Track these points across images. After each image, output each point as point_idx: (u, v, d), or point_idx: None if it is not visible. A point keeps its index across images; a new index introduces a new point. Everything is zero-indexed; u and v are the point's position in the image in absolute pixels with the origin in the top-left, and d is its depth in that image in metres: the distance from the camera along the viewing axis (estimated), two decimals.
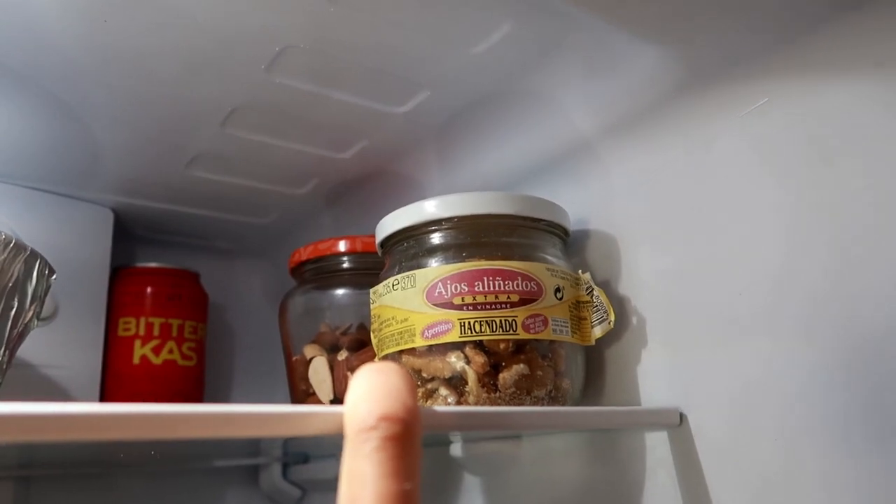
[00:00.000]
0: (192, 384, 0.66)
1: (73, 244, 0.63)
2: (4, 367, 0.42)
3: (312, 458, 0.73)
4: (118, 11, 0.38)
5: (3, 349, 0.41)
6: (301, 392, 0.53)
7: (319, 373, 0.51)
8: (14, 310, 0.41)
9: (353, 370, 0.50)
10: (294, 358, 0.54)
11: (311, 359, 0.52)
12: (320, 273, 0.55)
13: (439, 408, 0.32)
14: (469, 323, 0.38)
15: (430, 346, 0.39)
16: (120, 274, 0.67)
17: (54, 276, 0.45)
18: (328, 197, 0.66)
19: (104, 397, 0.62)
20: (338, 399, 0.50)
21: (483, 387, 0.38)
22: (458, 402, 0.39)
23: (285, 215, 0.71)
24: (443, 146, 0.55)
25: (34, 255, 0.41)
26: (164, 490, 0.70)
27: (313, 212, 0.70)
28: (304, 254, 0.54)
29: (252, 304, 0.83)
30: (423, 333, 0.39)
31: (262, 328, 0.83)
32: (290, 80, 0.46)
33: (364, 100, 0.49)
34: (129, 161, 0.57)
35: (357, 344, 0.51)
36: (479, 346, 0.39)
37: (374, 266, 0.54)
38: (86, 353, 0.61)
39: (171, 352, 0.65)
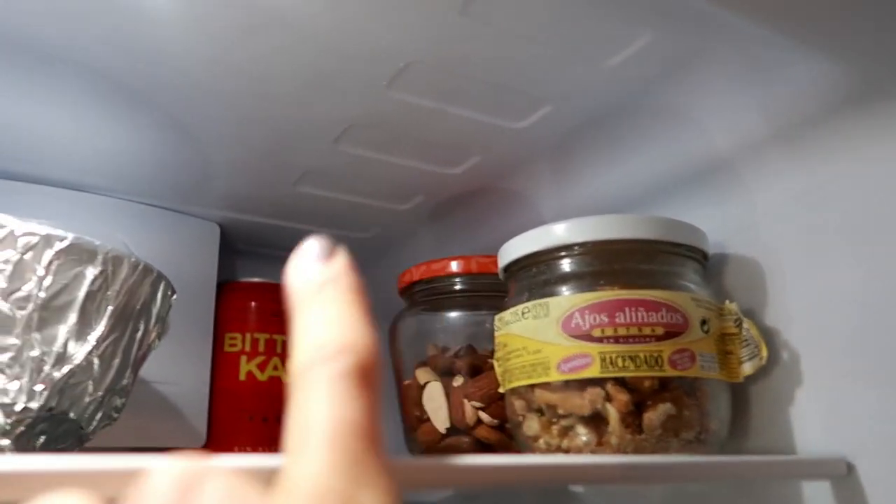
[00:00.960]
0: None
1: (182, 258, 0.63)
2: (130, 388, 0.42)
3: None
4: (245, 34, 0.37)
5: (129, 371, 0.41)
6: (414, 418, 0.51)
7: (435, 399, 0.49)
8: (140, 332, 0.40)
9: (469, 398, 0.48)
10: (405, 382, 0.53)
11: (426, 384, 0.50)
12: (432, 294, 0.53)
13: (601, 458, 0.29)
14: (611, 357, 0.36)
15: (567, 381, 0.37)
16: (224, 289, 0.66)
17: (174, 296, 0.44)
18: (431, 213, 0.64)
19: (212, 413, 0.62)
20: (454, 427, 0.48)
21: (626, 427, 0.35)
22: (598, 443, 0.36)
23: (385, 231, 0.70)
24: (559, 162, 0.53)
25: (160, 277, 0.41)
26: None
27: (414, 228, 0.68)
28: (416, 274, 0.53)
29: None
30: (559, 367, 0.37)
31: None
32: (410, 96, 0.44)
33: (482, 115, 0.47)
34: (239, 177, 0.57)
35: (473, 369, 0.49)
36: (620, 382, 0.36)
37: (487, 287, 0.52)
38: (195, 368, 0.61)
39: (275, 368, 0.64)
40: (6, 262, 0.32)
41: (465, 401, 0.48)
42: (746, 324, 0.38)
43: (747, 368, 0.38)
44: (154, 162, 0.54)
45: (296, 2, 0.35)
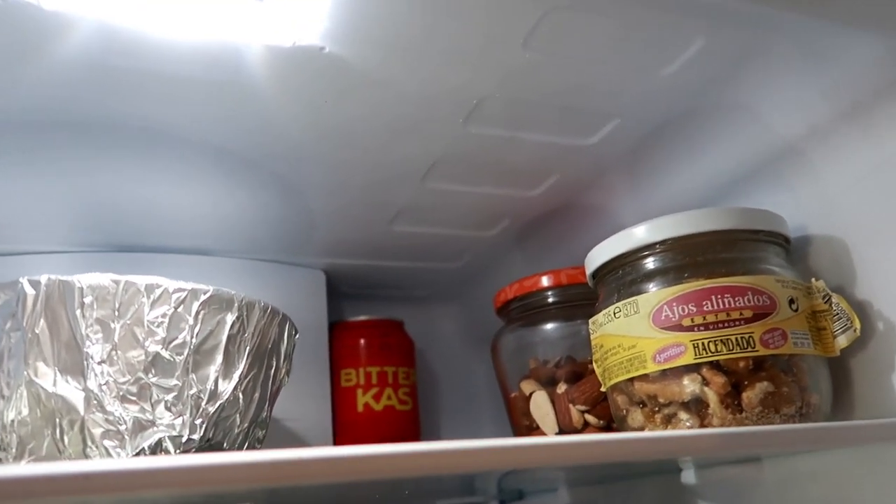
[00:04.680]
0: (411, 427, 0.70)
1: (294, 306, 0.68)
2: (268, 420, 0.47)
3: (527, 495, 0.73)
4: (338, 97, 0.43)
5: (267, 405, 0.46)
6: (524, 427, 0.54)
7: (542, 407, 0.52)
8: (273, 369, 0.46)
9: (573, 402, 0.50)
10: (512, 395, 0.56)
11: (531, 394, 0.53)
12: (527, 310, 0.56)
13: (703, 431, 0.31)
14: (703, 343, 0.38)
15: (664, 371, 0.39)
16: (335, 328, 0.72)
17: (297, 335, 0.49)
18: (518, 235, 0.68)
19: (335, 445, 0.67)
20: (563, 431, 0.51)
21: (727, 408, 0.37)
22: (702, 426, 0.38)
23: (475, 258, 0.74)
24: (632, 171, 0.55)
25: (284, 318, 0.46)
26: None
27: (503, 251, 0.72)
28: (510, 292, 0.56)
29: (446, 346, 0.86)
30: (654, 358, 0.39)
31: (459, 368, 0.86)
32: (486, 129, 0.48)
33: (554, 137, 0.50)
34: (339, 224, 0.62)
35: (574, 376, 0.52)
36: (715, 366, 0.38)
37: (579, 297, 0.54)
38: (317, 404, 0.66)
39: (389, 398, 0.69)
40: (164, 315, 0.38)
41: (571, 405, 0.51)
42: (836, 298, 0.40)
43: (842, 341, 0.39)
44: (264, 221, 0.60)
45: (378, 62, 0.40)
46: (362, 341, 0.71)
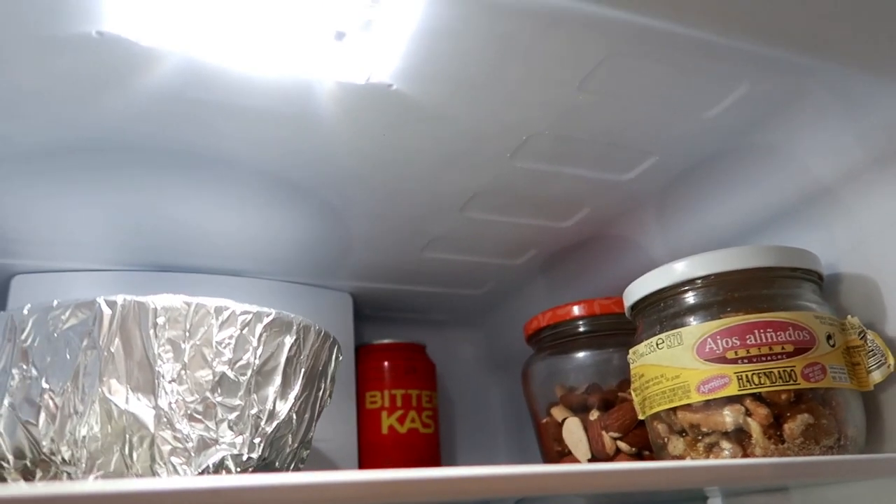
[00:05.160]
0: (433, 450, 0.71)
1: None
2: (311, 441, 0.48)
3: None
4: (393, 129, 0.45)
5: (314, 426, 0.47)
6: (555, 453, 0.55)
7: (574, 433, 0.53)
8: (321, 391, 0.47)
9: (607, 429, 0.52)
10: (543, 420, 0.57)
11: (564, 420, 0.54)
12: (558, 338, 0.58)
13: (754, 460, 0.33)
14: (747, 376, 0.40)
15: (707, 401, 0.41)
16: (360, 351, 0.73)
17: (342, 359, 0.51)
18: (543, 265, 0.70)
19: (361, 466, 0.68)
20: (595, 457, 0.52)
21: (769, 438, 0.39)
22: (744, 455, 0.39)
23: (499, 285, 0.75)
24: (663, 207, 0.57)
25: (334, 342, 0.47)
26: None
27: (526, 280, 0.74)
28: (543, 320, 0.58)
29: (464, 371, 0.88)
30: (698, 389, 0.41)
31: (476, 393, 0.88)
32: (530, 163, 0.50)
33: (592, 172, 0.53)
34: (372, 249, 0.64)
35: (605, 403, 0.54)
36: (758, 398, 0.40)
37: (609, 327, 0.56)
38: (345, 426, 0.67)
39: (413, 421, 0.70)
40: (231, 337, 0.40)
41: (604, 432, 0.52)
42: (871, 335, 0.42)
43: (876, 377, 0.41)
44: (302, 245, 0.62)
45: (441, 100, 0.42)
46: (387, 364, 0.72)
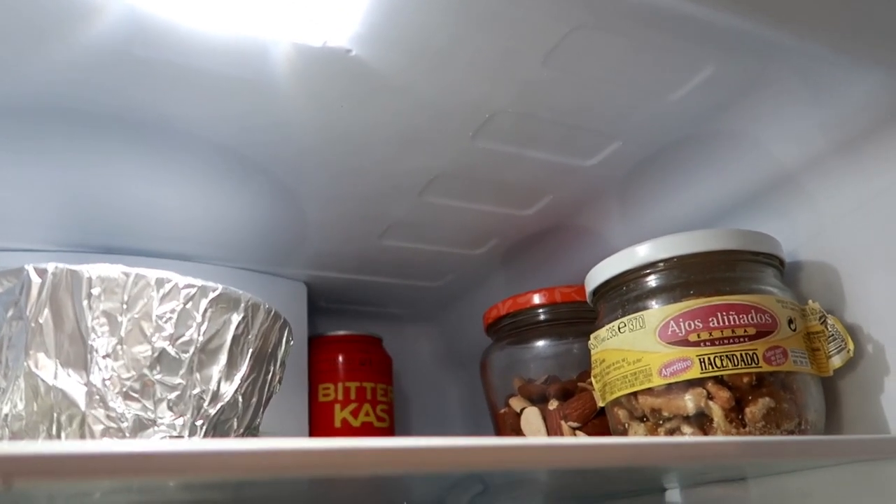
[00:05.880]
0: None
1: None
2: (258, 428, 0.46)
3: None
4: (355, 99, 0.43)
5: (261, 411, 0.45)
6: None
7: (533, 423, 0.52)
8: (270, 374, 0.45)
9: (566, 418, 0.51)
10: (501, 411, 0.56)
11: (522, 410, 0.53)
12: (518, 327, 0.57)
13: (721, 438, 0.32)
14: (709, 358, 0.39)
15: (669, 385, 0.40)
16: (313, 343, 0.71)
17: (293, 343, 0.49)
18: (504, 256, 0.68)
19: None
20: None
21: (731, 422, 0.38)
22: None
23: (458, 278, 0.74)
24: (626, 194, 0.57)
25: (285, 323, 0.45)
26: None
27: (486, 272, 0.72)
28: (503, 308, 0.56)
29: (421, 366, 0.86)
30: (660, 372, 0.40)
31: (432, 389, 0.86)
32: (493, 144, 0.49)
33: (555, 156, 0.51)
34: (329, 236, 0.62)
35: (565, 393, 0.52)
36: (719, 381, 0.39)
37: (570, 316, 0.55)
38: (296, 418, 0.65)
39: (367, 414, 0.68)
40: (172, 311, 0.37)
41: (563, 422, 0.51)
42: (831, 320, 0.41)
43: (836, 362, 0.41)
44: (254, 228, 0.59)
45: (401, 68, 0.40)
46: (341, 356, 0.70)
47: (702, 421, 0.39)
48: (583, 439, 0.27)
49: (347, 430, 0.67)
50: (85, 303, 0.35)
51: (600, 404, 0.45)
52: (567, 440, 0.27)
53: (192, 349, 0.38)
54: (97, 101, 0.41)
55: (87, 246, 0.59)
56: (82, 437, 0.34)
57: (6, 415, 0.34)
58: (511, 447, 0.26)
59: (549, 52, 0.40)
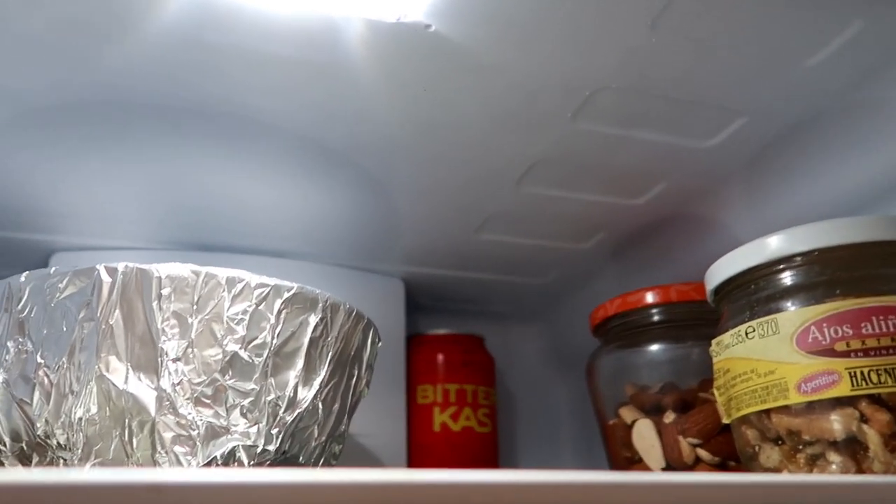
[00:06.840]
0: (489, 451, 0.65)
1: (371, 315, 0.65)
2: (345, 435, 0.43)
3: None
4: (439, 80, 0.39)
5: (346, 418, 0.42)
6: (623, 459, 0.48)
7: (646, 438, 0.46)
8: (354, 378, 0.42)
9: (684, 434, 0.45)
10: (610, 422, 0.50)
11: (634, 422, 0.47)
12: (629, 329, 0.51)
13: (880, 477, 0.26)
14: (862, 373, 0.32)
15: (810, 403, 0.33)
16: (412, 342, 0.68)
17: (380, 343, 0.46)
18: (614, 250, 0.63)
19: (410, 465, 0.63)
20: (670, 466, 0.45)
21: (892, 451, 0.31)
22: (858, 471, 0.32)
23: (563, 274, 0.69)
24: (753, 179, 0.50)
25: (369, 323, 0.42)
26: None
27: (595, 269, 0.67)
28: (612, 308, 0.51)
29: (526, 367, 0.81)
30: (799, 387, 0.33)
31: (539, 392, 0.81)
32: (595, 125, 0.44)
33: (669, 137, 0.46)
34: (423, 230, 0.59)
35: (683, 404, 0.46)
36: (876, 400, 0.32)
37: (688, 317, 0.49)
38: (393, 421, 0.62)
39: (468, 418, 0.64)
40: (245, 312, 0.35)
41: (680, 437, 0.45)
42: None
43: None
44: (348, 223, 0.57)
45: (487, 45, 0.36)
46: (441, 356, 0.67)
47: (854, 448, 0.32)
48: (701, 476, 0.22)
49: (446, 435, 0.64)
50: (155, 303, 0.34)
51: (725, 420, 0.39)
52: (682, 477, 0.21)
53: (265, 352, 0.35)
54: (175, 96, 0.40)
55: (191, 244, 0.59)
56: (152, 444, 0.33)
57: (80, 419, 0.33)
58: (609, 485, 0.21)
59: (659, 13, 0.34)
